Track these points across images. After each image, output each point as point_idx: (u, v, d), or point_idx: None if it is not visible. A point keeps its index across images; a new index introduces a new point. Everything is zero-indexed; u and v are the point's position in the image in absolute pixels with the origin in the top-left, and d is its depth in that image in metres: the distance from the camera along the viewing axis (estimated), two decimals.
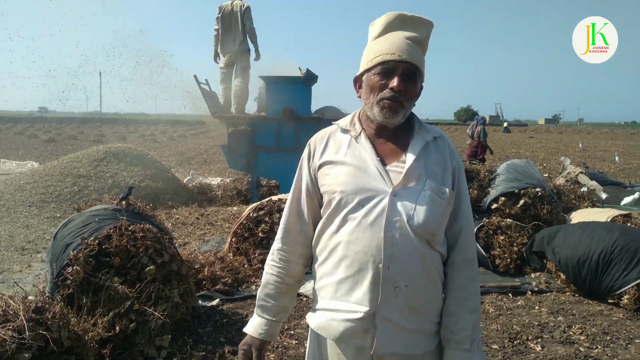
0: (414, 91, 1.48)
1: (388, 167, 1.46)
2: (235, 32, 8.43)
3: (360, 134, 1.53)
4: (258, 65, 8.79)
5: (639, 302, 4.29)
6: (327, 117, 8.13)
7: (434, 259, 1.47)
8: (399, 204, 1.40)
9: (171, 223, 7.43)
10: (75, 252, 3.40)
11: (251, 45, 8.63)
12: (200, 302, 4.34)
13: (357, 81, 1.57)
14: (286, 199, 5.30)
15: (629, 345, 3.74)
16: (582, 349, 3.68)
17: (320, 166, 1.54)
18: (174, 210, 8.32)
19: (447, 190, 1.46)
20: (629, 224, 5.54)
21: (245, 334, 1.60)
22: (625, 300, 4.32)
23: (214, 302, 4.39)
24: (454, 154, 1.55)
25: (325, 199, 1.52)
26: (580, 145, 30.36)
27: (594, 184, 8.78)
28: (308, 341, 1.65)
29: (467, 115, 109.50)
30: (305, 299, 4.52)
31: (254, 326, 1.60)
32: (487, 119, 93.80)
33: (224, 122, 8.62)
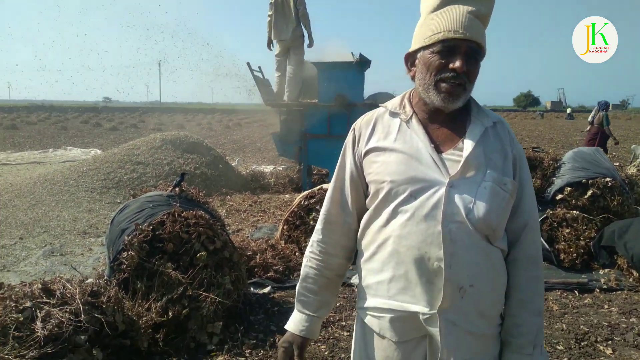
0: (476, 72, 1.34)
1: (443, 155, 1.33)
2: (289, 18, 8.35)
3: (411, 117, 1.39)
4: (309, 50, 8.71)
5: None
6: (381, 103, 7.93)
7: (497, 256, 1.34)
8: (456, 197, 1.27)
9: (225, 210, 7.52)
10: (130, 237, 3.44)
11: (305, 31, 8.54)
12: (252, 289, 4.33)
13: (410, 58, 1.43)
14: None
15: None
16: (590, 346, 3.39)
17: (367, 153, 1.42)
18: (228, 197, 8.42)
19: (509, 181, 1.32)
20: None
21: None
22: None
23: (266, 290, 4.37)
24: (514, 141, 1.40)
25: (372, 189, 1.40)
26: None
27: None
28: (354, 340, 1.54)
29: (527, 101, 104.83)
30: (356, 289, 4.41)
31: (295, 322, 1.51)
32: (549, 105, 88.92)
33: (277, 110, 8.60)
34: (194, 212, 3.74)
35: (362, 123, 1.48)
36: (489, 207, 1.27)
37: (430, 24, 1.33)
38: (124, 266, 3.39)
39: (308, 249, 1.56)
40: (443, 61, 1.30)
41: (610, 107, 12.02)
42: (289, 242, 5.22)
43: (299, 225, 5.21)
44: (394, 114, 1.43)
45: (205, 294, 3.42)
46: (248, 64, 8.40)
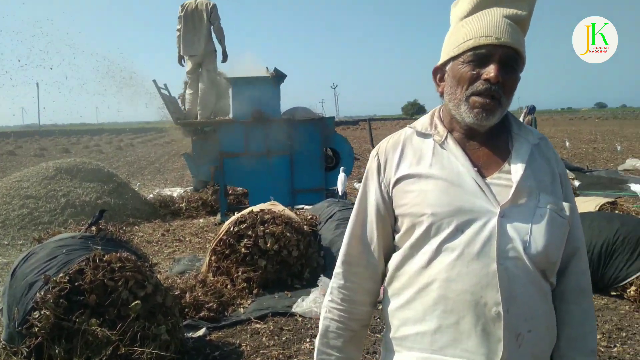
0: (514, 83, 1.17)
1: (489, 180, 1.15)
2: (200, 32, 7.86)
3: (446, 137, 1.21)
4: (222, 65, 8.33)
5: None
6: (299, 118, 7.75)
7: (549, 292, 1.18)
8: (510, 227, 1.10)
9: (135, 242, 6.83)
10: (42, 292, 2.88)
11: (218, 46, 8.12)
12: (184, 333, 3.87)
13: (438, 72, 1.26)
14: (268, 210, 4.75)
15: None
16: (601, 349, 3.49)
17: (398, 181, 1.22)
18: (136, 227, 7.70)
19: (565, 206, 1.16)
20: (616, 212, 5.50)
21: None
22: (632, 292, 4.20)
23: (200, 332, 3.93)
24: (558, 159, 1.26)
25: (406, 223, 1.19)
26: None
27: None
28: None
29: (414, 109, 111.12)
30: (301, 319, 4.13)
31: None
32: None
33: (188, 129, 8.08)
34: (118, 255, 3.24)
35: (387, 147, 1.29)
36: (549, 238, 1.11)
37: (460, 32, 1.18)
38: (37, 329, 2.83)
39: (327, 298, 1.33)
40: (475, 72, 1.14)
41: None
42: (218, 274, 4.79)
43: (229, 255, 4.80)
44: (424, 135, 1.25)
45: (140, 349, 2.96)
46: (154, 81, 7.81)
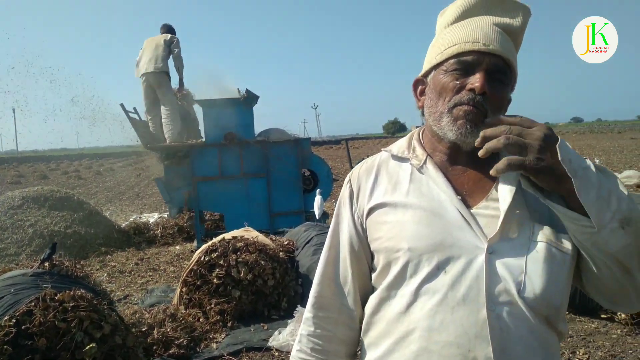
0: (503, 98, 1.01)
1: (475, 210, 0.98)
2: (156, 54, 7.61)
3: (425, 161, 1.05)
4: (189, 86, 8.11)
5: (636, 316, 4.01)
6: (274, 139, 7.57)
7: (555, 344, 0.99)
8: (500, 266, 0.93)
9: (107, 273, 6.53)
10: None
11: (173, 72, 7.91)
12: None
13: (419, 85, 1.13)
14: (241, 237, 4.43)
15: None
16: None
17: (371, 211, 1.08)
18: (109, 256, 7.38)
19: (565, 239, 0.96)
20: None
21: None
22: (623, 315, 4.04)
23: None
24: None
25: (382, 260, 1.03)
26: None
27: None
28: None
29: (395, 127, 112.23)
30: (277, 353, 3.88)
31: None
32: (414, 130, 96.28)
33: (158, 153, 7.84)
34: (72, 292, 2.98)
35: (359, 172, 1.16)
36: (548, 278, 0.93)
37: (444, 38, 1.05)
38: None
39: (295, 347, 1.16)
40: (458, 82, 0.98)
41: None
42: (190, 306, 4.53)
43: (201, 286, 4.54)
44: (400, 159, 1.09)
45: None
46: (122, 105, 7.57)
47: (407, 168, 1.08)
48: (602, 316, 4.22)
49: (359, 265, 1.10)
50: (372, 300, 1.06)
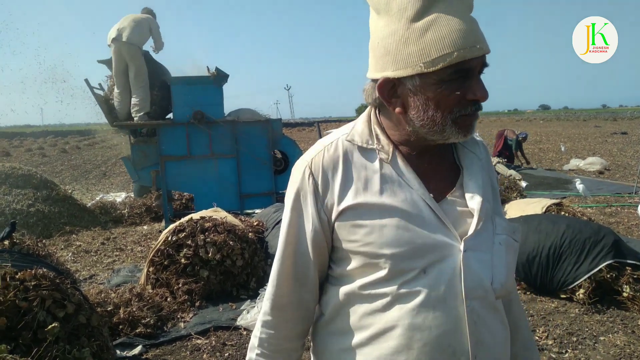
0: None
1: (443, 205, 0.98)
2: (135, 26, 7.25)
3: (393, 154, 1.01)
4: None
5: (593, 295, 4.17)
6: (244, 119, 7.49)
7: (505, 313, 1.09)
8: (475, 262, 0.96)
9: (72, 252, 6.40)
10: None
11: (150, 43, 7.66)
12: (118, 352, 3.57)
13: (390, 87, 0.98)
14: (210, 217, 4.40)
15: (596, 345, 3.57)
16: (553, 355, 3.45)
17: (343, 212, 1.00)
18: (74, 236, 7.22)
19: (516, 227, 1.03)
20: (562, 213, 5.55)
21: None
22: (581, 295, 4.19)
23: (136, 351, 3.64)
24: (491, 164, 1.12)
25: (356, 261, 1.00)
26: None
27: (512, 172, 8.95)
28: None
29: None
30: (245, 332, 3.90)
31: None
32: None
33: (125, 131, 7.64)
34: (33, 271, 2.91)
35: (323, 164, 1.03)
36: (509, 267, 1.01)
37: (426, 39, 0.90)
38: None
39: (254, 351, 1.12)
40: (459, 92, 0.92)
41: None
42: (157, 286, 4.49)
43: (168, 266, 4.50)
44: (365, 150, 1.02)
45: None
46: (86, 80, 7.32)
47: (375, 162, 1.01)
48: (562, 296, 4.37)
49: (320, 259, 1.06)
50: (340, 293, 1.03)
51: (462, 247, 0.95)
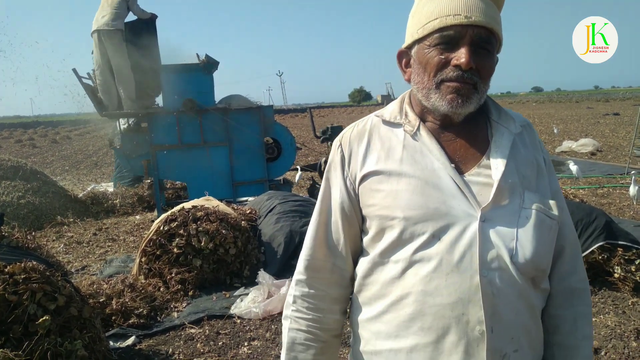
0: (491, 67, 1.02)
1: (467, 177, 1.02)
2: (111, 10, 7.03)
3: (418, 128, 1.05)
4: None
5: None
6: (235, 107, 7.42)
7: (540, 304, 1.06)
8: (493, 233, 0.97)
9: (63, 244, 6.36)
10: None
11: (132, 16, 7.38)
12: (111, 343, 3.55)
13: (403, 57, 1.11)
14: (201, 206, 4.36)
15: None
16: None
17: (364, 178, 1.08)
18: (66, 227, 7.18)
19: (553, 204, 1.02)
20: None
21: None
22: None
23: (129, 341, 3.63)
24: (543, 147, 1.13)
25: (375, 226, 1.05)
26: None
27: None
28: None
29: (360, 96, 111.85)
30: (239, 321, 3.90)
31: None
32: (379, 99, 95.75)
33: (115, 120, 7.57)
34: (23, 264, 2.89)
35: (351, 137, 1.13)
36: (537, 243, 0.98)
37: (424, 10, 1.03)
38: None
39: (290, 308, 1.18)
40: (443, 57, 0.98)
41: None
42: (150, 276, 4.47)
43: (161, 255, 4.48)
44: (393, 125, 1.10)
45: None
46: (74, 70, 7.22)
47: (400, 134, 1.07)
48: None
49: (351, 228, 1.12)
50: (365, 263, 1.09)
51: (479, 216, 0.96)
